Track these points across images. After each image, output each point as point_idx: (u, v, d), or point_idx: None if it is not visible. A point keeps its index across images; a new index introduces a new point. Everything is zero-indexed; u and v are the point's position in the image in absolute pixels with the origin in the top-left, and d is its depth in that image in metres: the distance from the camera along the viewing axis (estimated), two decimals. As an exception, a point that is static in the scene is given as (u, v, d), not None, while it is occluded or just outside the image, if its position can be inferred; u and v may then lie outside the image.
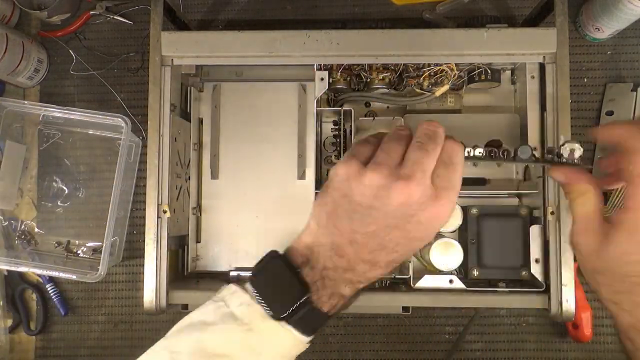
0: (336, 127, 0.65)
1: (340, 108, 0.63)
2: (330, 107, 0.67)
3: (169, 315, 0.71)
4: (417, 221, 0.37)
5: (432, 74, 0.61)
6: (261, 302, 0.38)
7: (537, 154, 0.46)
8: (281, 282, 0.38)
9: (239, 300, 0.39)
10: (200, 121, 0.69)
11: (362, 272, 0.38)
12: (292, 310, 0.38)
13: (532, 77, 0.60)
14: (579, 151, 0.41)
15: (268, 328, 0.38)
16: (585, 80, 0.71)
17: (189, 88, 0.66)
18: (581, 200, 0.39)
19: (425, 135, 0.38)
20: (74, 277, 0.65)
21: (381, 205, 0.36)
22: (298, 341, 0.39)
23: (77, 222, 0.73)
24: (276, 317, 0.38)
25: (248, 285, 0.39)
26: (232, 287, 0.40)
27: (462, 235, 0.62)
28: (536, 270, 0.58)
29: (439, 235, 0.61)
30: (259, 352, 0.38)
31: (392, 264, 0.39)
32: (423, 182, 0.36)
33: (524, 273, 0.60)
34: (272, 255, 0.40)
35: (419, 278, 0.59)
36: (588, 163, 0.53)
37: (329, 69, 0.62)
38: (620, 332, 0.39)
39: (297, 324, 0.38)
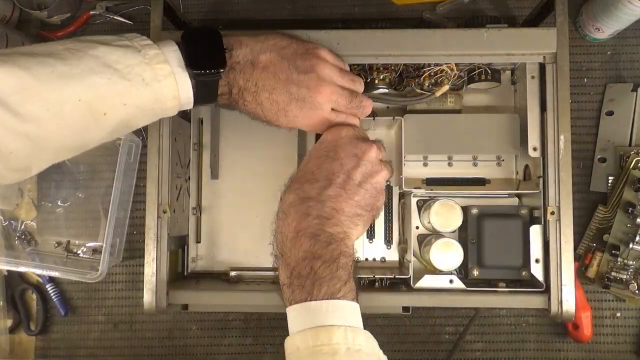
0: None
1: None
2: (330, 107, 0.67)
3: (169, 315, 0.71)
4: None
5: (432, 74, 0.61)
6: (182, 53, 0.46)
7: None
8: (209, 48, 0.47)
9: (145, 42, 0.45)
10: (200, 121, 0.69)
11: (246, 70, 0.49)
12: (203, 72, 0.46)
13: (532, 77, 0.60)
14: None
15: (160, 61, 0.44)
16: (585, 80, 0.71)
17: (189, 88, 0.66)
18: None
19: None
20: (74, 277, 0.65)
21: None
22: (172, 96, 0.45)
23: (77, 222, 0.73)
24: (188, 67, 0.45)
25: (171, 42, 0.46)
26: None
27: (462, 235, 0.62)
28: (536, 270, 0.58)
29: (439, 235, 0.61)
30: (147, 84, 0.44)
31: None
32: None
33: (524, 273, 0.60)
34: (211, 29, 0.49)
35: (419, 278, 0.59)
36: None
37: (329, 69, 0.62)
38: None
39: (197, 84, 0.46)
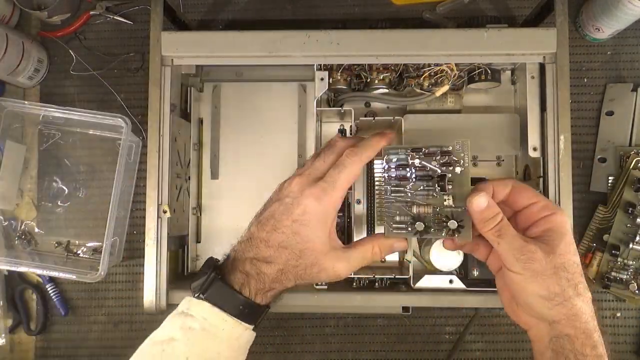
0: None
1: (340, 108, 0.63)
2: (330, 107, 0.67)
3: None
4: (298, 204, 0.47)
5: (432, 74, 0.61)
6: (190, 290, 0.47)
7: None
8: (203, 272, 0.47)
9: (185, 301, 0.48)
10: (200, 121, 0.69)
11: (258, 251, 0.47)
12: (206, 286, 0.46)
13: (532, 77, 0.60)
14: None
15: (199, 308, 0.46)
16: (585, 80, 0.71)
17: (189, 88, 0.66)
18: (507, 221, 0.47)
19: (326, 146, 0.52)
20: (74, 277, 0.65)
21: (280, 194, 0.50)
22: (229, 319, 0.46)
23: (77, 222, 0.73)
24: (195, 294, 0.47)
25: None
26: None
27: (462, 235, 0.62)
28: (536, 270, 0.58)
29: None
30: (193, 328, 0.45)
31: (283, 250, 0.47)
32: (308, 176, 0.49)
33: (524, 273, 0.60)
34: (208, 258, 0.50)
35: (419, 278, 0.59)
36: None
37: (329, 69, 0.62)
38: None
39: (213, 299, 0.46)
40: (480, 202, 0.45)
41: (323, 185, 0.48)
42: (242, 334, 0.47)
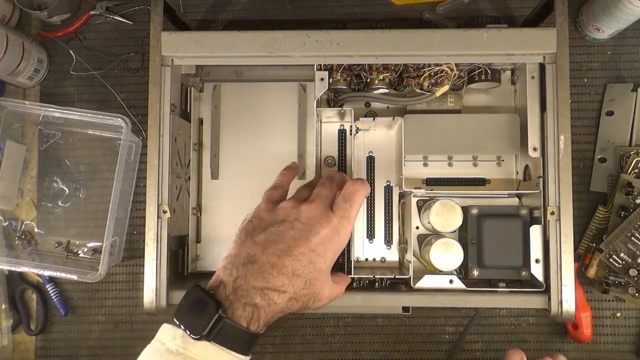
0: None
1: (340, 108, 0.63)
2: (330, 107, 0.67)
3: (169, 316, 0.71)
4: (316, 232, 0.47)
5: (432, 74, 0.61)
6: (183, 328, 0.43)
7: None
8: (198, 305, 0.43)
9: (172, 334, 0.43)
10: (200, 121, 0.69)
11: (270, 278, 0.45)
12: (210, 327, 0.42)
13: (532, 77, 0.60)
14: None
15: (200, 350, 0.42)
16: (585, 80, 0.71)
17: (189, 88, 0.66)
18: None
19: (326, 178, 0.53)
20: (74, 277, 0.65)
21: (290, 219, 0.48)
22: (235, 359, 0.43)
23: (77, 222, 0.73)
24: (196, 336, 0.42)
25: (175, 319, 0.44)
26: (165, 326, 0.45)
27: (462, 235, 0.62)
28: (536, 270, 0.58)
29: (439, 235, 0.61)
30: None
31: (297, 278, 0.46)
32: (321, 204, 0.49)
33: (524, 273, 0.60)
34: (191, 286, 0.45)
35: (419, 278, 0.59)
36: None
37: (329, 69, 0.62)
38: None
39: (220, 340, 0.42)
40: None
41: (339, 216, 0.49)
42: None
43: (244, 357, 0.44)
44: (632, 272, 0.63)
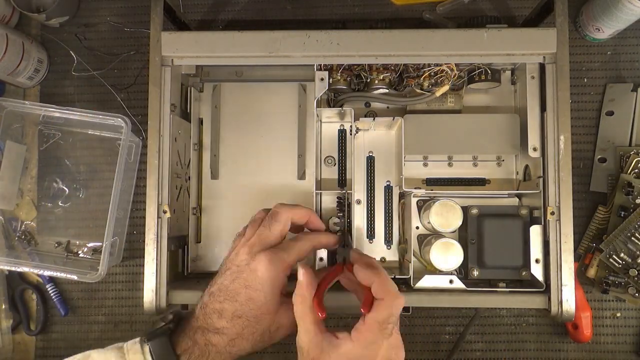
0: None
1: (340, 108, 0.63)
2: (330, 107, 0.67)
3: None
4: (250, 269, 0.48)
5: (432, 74, 0.61)
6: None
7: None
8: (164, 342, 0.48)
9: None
10: (200, 121, 0.69)
11: (212, 321, 0.48)
12: (156, 332, 0.48)
13: (532, 77, 0.60)
14: None
15: (134, 351, 0.47)
16: (585, 80, 0.71)
17: (189, 88, 0.66)
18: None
19: (269, 215, 0.52)
20: (74, 277, 0.65)
21: (228, 265, 0.50)
22: None
23: (77, 222, 0.73)
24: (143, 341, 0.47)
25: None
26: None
27: (462, 235, 0.62)
28: (536, 270, 0.58)
29: (439, 235, 0.61)
30: None
31: (237, 321, 0.48)
32: (255, 243, 0.50)
33: (524, 273, 0.60)
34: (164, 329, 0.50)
35: (419, 278, 0.59)
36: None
37: (329, 69, 0.62)
38: None
39: (154, 349, 0.47)
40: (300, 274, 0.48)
41: (275, 250, 0.49)
42: None
43: None
44: (632, 272, 0.63)
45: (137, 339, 0.48)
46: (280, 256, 0.49)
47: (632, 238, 0.63)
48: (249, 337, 0.48)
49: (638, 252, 0.63)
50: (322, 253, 0.58)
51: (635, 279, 0.63)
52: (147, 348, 0.47)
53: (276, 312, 0.49)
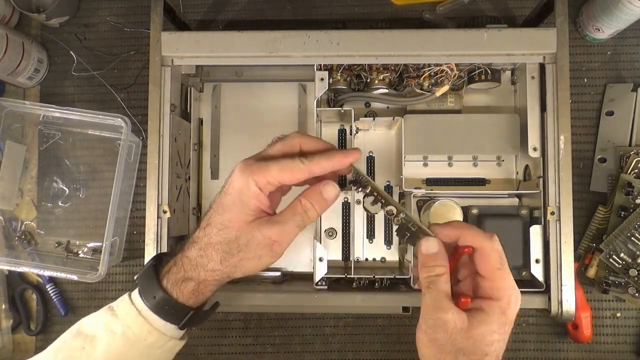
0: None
1: (340, 108, 0.63)
2: (330, 107, 0.67)
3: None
4: (229, 178, 0.44)
5: (432, 74, 0.61)
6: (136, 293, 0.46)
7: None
8: (147, 271, 0.46)
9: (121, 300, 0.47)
10: (200, 121, 0.69)
11: (193, 236, 0.45)
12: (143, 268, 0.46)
13: (532, 77, 0.60)
14: None
15: (125, 307, 0.46)
16: (585, 80, 0.71)
17: (189, 88, 0.66)
18: (444, 278, 0.42)
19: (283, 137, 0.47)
20: (74, 277, 0.65)
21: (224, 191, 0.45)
22: (148, 331, 0.45)
23: (77, 222, 0.73)
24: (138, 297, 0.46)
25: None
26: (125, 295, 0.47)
27: (462, 235, 0.62)
28: (536, 270, 0.58)
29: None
30: (115, 332, 0.45)
31: (208, 229, 0.44)
32: (249, 158, 0.45)
33: (524, 273, 0.60)
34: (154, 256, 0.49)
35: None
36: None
37: (329, 69, 0.62)
38: None
39: (140, 285, 0.46)
40: (428, 247, 0.43)
41: (253, 157, 0.45)
42: (165, 344, 0.45)
43: (162, 334, 0.45)
44: (632, 272, 0.63)
45: (126, 295, 0.47)
46: (258, 164, 0.43)
47: (632, 238, 0.63)
48: (216, 245, 0.44)
49: (638, 252, 0.63)
50: (322, 253, 0.58)
51: (635, 279, 0.63)
52: (135, 296, 0.46)
53: (247, 223, 0.43)
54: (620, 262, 0.64)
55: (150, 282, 0.45)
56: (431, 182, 0.67)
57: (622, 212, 0.64)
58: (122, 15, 0.75)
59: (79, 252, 0.73)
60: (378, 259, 0.66)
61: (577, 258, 0.68)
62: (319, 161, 0.44)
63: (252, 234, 0.43)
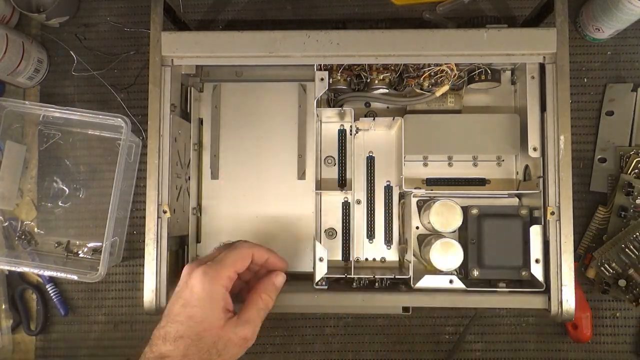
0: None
1: (340, 108, 0.63)
2: (330, 107, 0.67)
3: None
4: (185, 286, 0.49)
5: (432, 74, 0.61)
6: None
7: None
8: None
9: None
10: (200, 121, 0.69)
11: (158, 347, 0.47)
12: None
13: (532, 77, 0.60)
14: None
15: None
16: (585, 80, 0.71)
17: (189, 88, 0.66)
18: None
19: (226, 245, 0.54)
20: (74, 277, 0.65)
21: (175, 289, 0.51)
22: None
23: (77, 222, 0.73)
24: None
25: None
26: None
27: (462, 235, 0.62)
28: (536, 270, 0.58)
29: (439, 235, 0.61)
30: None
31: (180, 342, 0.47)
32: (197, 262, 0.51)
33: (524, 273, 0.60)
34: None
35: (419, 278, 0.59)
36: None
37: (329, 69, 0.62)
38: None
39: None
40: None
41: (209, 263, 0.49)
42: None
43: None
44: (622, 282, 0.63)
45: None
46: (216, 269, 0.48)
47: (626, 250, 0.63)
48: (194, 356, 0.46)
49: (629, 264, 0.63)
50: (322, 253, 0.58)
51: (624, 289, 0.63)
52: None
53: (221, 328, 0.48)
54: (612, 271, 0.64)
55: None
56: (431, 182, 0.67)
57: (622, 212, 0.64)
58: (122, 15, 0.75)
59: (79, 252, 0.73)
60: (378, 259, 0.66)
61: (577, 258, 0.68)
62: (261, 249, 0.54)
63: (228, 336, 0.48)
